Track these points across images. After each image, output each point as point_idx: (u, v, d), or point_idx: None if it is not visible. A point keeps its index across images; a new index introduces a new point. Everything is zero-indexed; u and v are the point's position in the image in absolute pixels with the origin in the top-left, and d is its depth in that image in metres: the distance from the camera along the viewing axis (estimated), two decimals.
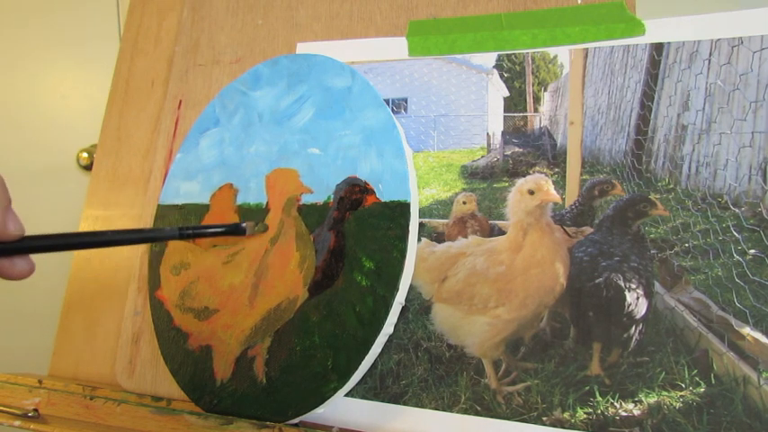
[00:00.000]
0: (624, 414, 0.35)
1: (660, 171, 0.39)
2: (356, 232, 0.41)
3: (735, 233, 0.36)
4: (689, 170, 0.38)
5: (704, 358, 0.34)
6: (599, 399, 0.35)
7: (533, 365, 0.37)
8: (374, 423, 0.39)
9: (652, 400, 0.34)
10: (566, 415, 0.36)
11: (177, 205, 0.48)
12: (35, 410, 0.41)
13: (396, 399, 0.39)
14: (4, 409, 0.42)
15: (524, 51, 0.44)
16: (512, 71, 0.44)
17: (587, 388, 0.36)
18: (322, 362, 0.39)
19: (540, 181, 0.41)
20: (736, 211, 0.36)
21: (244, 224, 0.42)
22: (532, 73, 0.44)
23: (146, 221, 0.51)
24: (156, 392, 0.46)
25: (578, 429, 0.35)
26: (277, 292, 0.42)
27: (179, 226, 0.39)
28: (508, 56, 0.44)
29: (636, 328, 0.36)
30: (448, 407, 0.38)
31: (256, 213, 0.45)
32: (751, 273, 0.35)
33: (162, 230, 0.39)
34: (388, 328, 0.39)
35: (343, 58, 0.47)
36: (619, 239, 0.38)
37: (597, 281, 0.37)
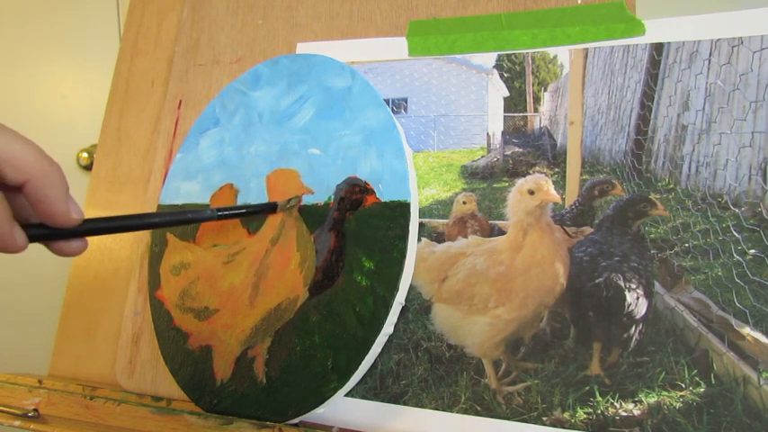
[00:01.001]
0: (624, 414, 0.35)
1: (660, 171, 0.39)
2: (356, 232, 0.41)
3: (735, 233, 0.36)
4: (689, 170, 0.38)
5: (704, 358, 0.34)
6: (599, 399, 0.35)
7: (533, 365, 0.37)
8: (374, 423, 0.39)
9: (652, 400, 0.35)
10: (566, 415, 0.36)
11: (177, 205, 0.48)
12: (35, 410, 0.41)
13: (396, 399, 0.39)
14: (4, 409, 0.42)
15: (524, 51, 0.44)
16: (512, 71, 0.44)
17: (587, 388, 0.36)
18: (322, 362, 0.39)
19: (540, 181, 0.41)
20: (736, 211, 0.36)
21: (276, 202, 0.43)
22: (532, 73, 0.44)
23: None
24: (156, 392, 0.46)
25: (578, 429, 0.35)
26: (277, 292, 0.42)
27: (217, 207, 0.40)
28: (508, 56, 0.44)
29: (636, 328, 0.36)
30: (448, 407, 0.38)
31: None
32: (751, 273, 0.35)
33: (203, 212, 0.40)
34: (388, 328, 0.39)
35: (343, 58, 0.47)
36: (619, 239, 0.38)
37: (597, 281, 0.37)
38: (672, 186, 0.38)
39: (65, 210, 0.28)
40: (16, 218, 0.28)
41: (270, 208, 0.43)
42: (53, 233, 0.29)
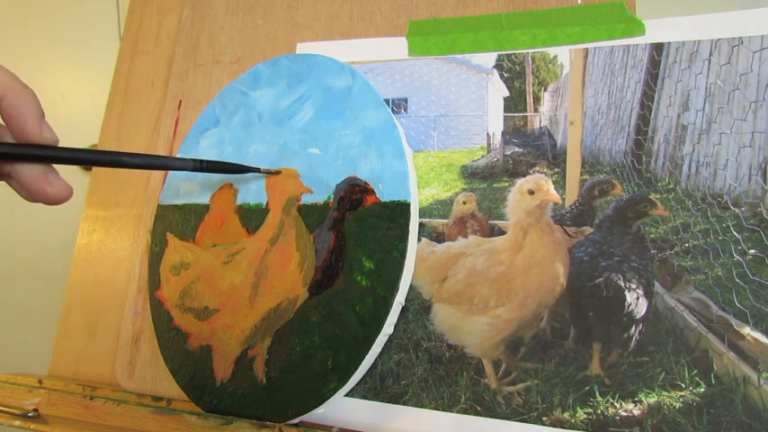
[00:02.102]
0: (624, 414, 0.35)
1: (660, 171, 0.39)
2: (356, 232, 0.41)
3: (735, 233, 0.36)
4: (689, 170, 0.38)
5: (704, 358, 0.34)
6: (599, 399, 0.35)
7: (533, 365, 0.37)
8: (374, 423, 0.39)
9: (652, 400, 0.35)
10: (566, 415, 0.36)
11: (177, 205, 0.48)
12: (35, 410, 0.41)
13: (396, 399, 0.39)
14: (4, 409, 0.42)
15: (524, 51, 0.44)
16: (512, 71, 0.44)
17: (587, 388, 0.36)
18: (322, 362, 0.39)
19: (540, 181, 0.41)
20: (736, 211, 0.36)
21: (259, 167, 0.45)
22: (532, 73, 0.44)
23: (146, 222, 0.52)
24: (156, 392, 0.46)
25: (578, 429, 0.35)
26: (277, 292, 0.42)
27: (192, 158, 0.40)
28: (508, 56, 0.44)
29: (636, 328, 0.36)
30: (448, 407, 0.38)
31: (256, 213, 0.45)
32: (751, 273, 0.35)
33: (181, 160, 0.40)
34: (388, 328, 0.39)
35: (343, 58, 0.47)
36: (619, 239, 0.38)
37: (597, 281, 0.37)
38: (672, 186, 0.38)
39: (38, 128, 0.30)
40: None
41: (253, 170, 0.44)
42: (19, 151, 0.30)
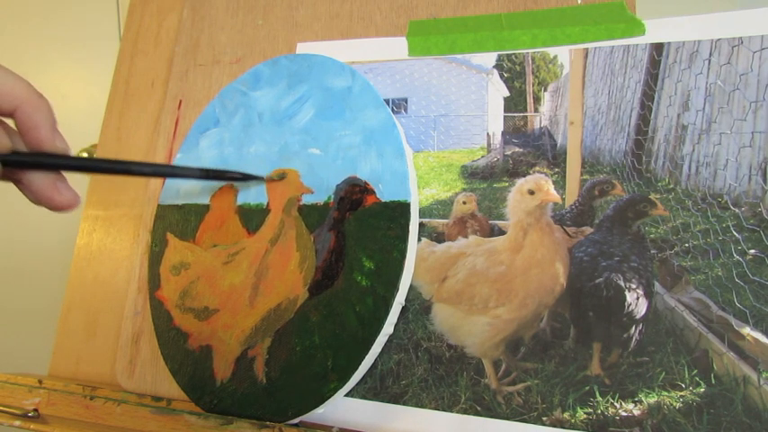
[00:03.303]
0: (624, 414, 0.35)
1: (660, 171, 0.39)
2: (356, 232, 0.41)
3: (735, 233, 0.36)
4: (689, 170, 0.38)
5: (704, 358, 0.34)
6: (599, 399, 0.35)
7: (533, 365, 0.37)
8: (374, 423, 0.39)
9: (652, 400, 0.35)
10: (566, 415, 0.36)
11: (177, 205, 0.48)
12: (35, 410, 0.41)
13: (396, 399, 0.39)
14: (4, 409, 0.42)
15: (524, 51, 0.44)
16: (512, 71, 0.44)
17: (587, 388, 0.36)
18: (322, 362, 0.39)
19: (540, 181, 0.41)
20: (736, 211, 0.36)
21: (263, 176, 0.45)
22: (532, 73, 0.44)
23: (146, 222, 0.52)
24: (156, 392, 0.46)
25: (578, 429, 0.35)
26: (277, 293, 0.42)
27: (199, 167, 0.42)
28: (508, 56, 0.44)
29: (636, 328, 0.36)
30: (448, 407, 0.38)
31: (257, 213, 0.45)
32: (751, 273, 0.35)
33: (189, 168, 0.42)
34: (388, 328, 0.39)
35: (343, 58, 0.47)
36: (619, 239, 0.38)
37: (597, 281, 0.37)
38: (672, 186, 0.38)
39: (51, 137, 0.31)
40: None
41: (257, 178, 0.45)
42: (31, 159, 0.31)
